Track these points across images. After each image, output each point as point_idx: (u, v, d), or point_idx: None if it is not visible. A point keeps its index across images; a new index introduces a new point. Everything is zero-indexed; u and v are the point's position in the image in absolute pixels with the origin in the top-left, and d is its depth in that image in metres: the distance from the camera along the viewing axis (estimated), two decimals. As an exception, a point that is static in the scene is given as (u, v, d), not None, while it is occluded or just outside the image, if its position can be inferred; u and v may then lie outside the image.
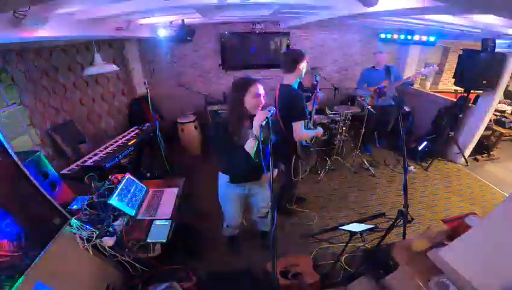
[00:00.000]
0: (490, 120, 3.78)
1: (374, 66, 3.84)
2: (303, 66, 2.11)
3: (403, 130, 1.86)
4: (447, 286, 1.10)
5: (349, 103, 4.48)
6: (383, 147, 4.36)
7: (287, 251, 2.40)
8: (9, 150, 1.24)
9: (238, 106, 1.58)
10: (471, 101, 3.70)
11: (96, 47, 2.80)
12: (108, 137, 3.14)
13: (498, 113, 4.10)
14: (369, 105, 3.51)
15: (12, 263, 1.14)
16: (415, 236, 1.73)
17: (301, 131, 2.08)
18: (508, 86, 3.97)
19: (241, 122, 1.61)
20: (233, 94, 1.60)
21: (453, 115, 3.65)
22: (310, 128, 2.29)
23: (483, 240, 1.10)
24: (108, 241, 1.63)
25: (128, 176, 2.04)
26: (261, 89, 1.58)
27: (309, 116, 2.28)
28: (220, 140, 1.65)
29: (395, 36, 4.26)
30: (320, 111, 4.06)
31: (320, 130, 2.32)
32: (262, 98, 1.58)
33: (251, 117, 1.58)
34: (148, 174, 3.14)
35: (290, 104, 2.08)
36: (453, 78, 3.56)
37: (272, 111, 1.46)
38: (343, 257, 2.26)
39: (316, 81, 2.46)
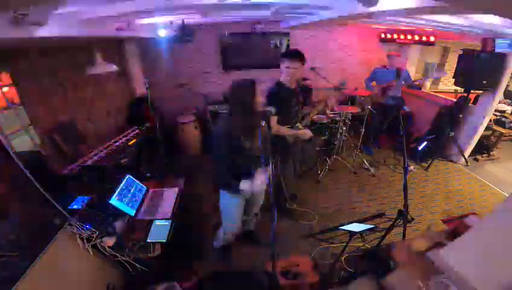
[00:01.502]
0: (490, 120, 3.78)
1: (385, 66, 3.86)
2: (285, 66, 2.16)
3: (403, 130, 1.86)
4: (447, 286, 1.10)
5: (349, 103, 4.48)
6: (379, 147, 4.36)
7: (287, 251, 2.40)
8: (9, 150, 1.24)
9: (251, 108, 1.56)
10: (471, 101, 3.70)
11: (96, 47, 2.80)
12: (108, 137, 3.14)
13: (498, 113, 4.10)
14: (371, 103, 3.51)
15: (12, 263, 1.14)
16: (415, 236, 1.73)
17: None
18: (508, 86, 3.97)
19: (256, 124, 1.59)
20: (243, 98, 1.56)
21: (453, 115, 3.65)
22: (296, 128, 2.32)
23: (483, 240, 1.10)
24: (108, 241, 1.63)
25: (128, 176, 2.04)
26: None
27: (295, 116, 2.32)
28: (231, 149, 1.62)
29: (395, 36, 4.27)
30: (320, 111, 4.06)
31: (303, 132, 2.32)
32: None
33: (259, 114, 1.59)
34: (148, 174, 3.14)
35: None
36: (453, 78, 3.55)
37: (271, 112, 1.47)
38: (343, 257, 2.26)
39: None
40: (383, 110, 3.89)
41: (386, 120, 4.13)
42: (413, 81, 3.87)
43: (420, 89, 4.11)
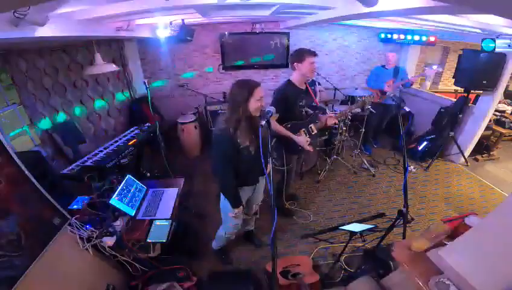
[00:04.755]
0: (490, 120, 3.78)
1: (384, 65, 3.85)
2: (310, 62, 2.16)
3: (403, 130, 1.86)
4: (447, 286, 1.10)
5: (349, 103, 4.48)
6: (380, 147, 4.36)
7: (287, 251, 2.40)
8: (10, 150, 1.24)
9: (242, 108, 1.58)
10: (471, 101, 3.70)
11: (96, 47, 2.80)
12: (108, 137, 3.14)
13: (498, 113, 4.10)
14: (372, 103, 3.49)
15: (12, 263, 1.14)
16: (415, 236, 1.73)
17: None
18: (508, 86, 3.97)
19: (241, 124, 1.61)
20: (238, 96, 1.59)
21: (453, 115, 3.65)
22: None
23: (483, 240, 1.10)
24: (108, 241, 1.63)
25: (128, 176, 2.04)
26: (262, 92, 1.60)
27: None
28: (229, 149, 1.63)
29: (395, 36, 4.27)
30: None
31: (300, 139, 2.27)
32: (263, 100, 1.60)
33: (250, 119, 1.59)
34: (148, 174, 3.14)
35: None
36: (453, 78, 3.55)
37: (271, 111, 1.47)
38: (343, 257, 2.26)
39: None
40: (382, 110, 3.89)
41: (385, 119, 4.13)
42: (407, 79, 3.86)
43: (410, 85, 4.04)
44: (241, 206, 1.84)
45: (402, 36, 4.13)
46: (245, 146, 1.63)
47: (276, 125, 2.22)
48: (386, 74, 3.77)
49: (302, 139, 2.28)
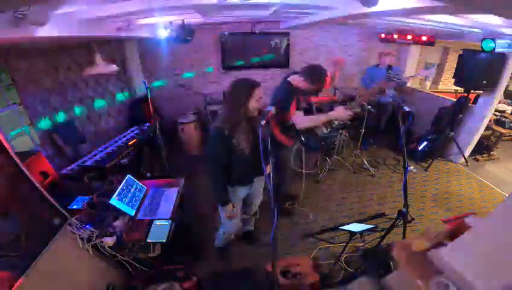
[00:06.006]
0: (490, 120, 3.78)
1: (378, 65, 3.85)
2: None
3: (402, 130, 1.86)
4: (447, 286, 1.10)
5: (348, 103, 4.47)
6: (378, 146, 4.36)
7: (287, 251, 2.40)
8: (9, 150, 1.24)
9: (241, 108, 1.57)
10: (471, 101, 3.70)
11: (96, 47, 2.80)
12: (108, 137, 3.14)
13: (498, 113, 4.11)
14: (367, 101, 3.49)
15: (12, 263, 1.14)
16: (415, 236, 1.73)
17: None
18: (508, 86, 3.97)
19: (239, 123, 1.60)
20: (237, 96, 1.58)
21: (453, 115, 3.65)
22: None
23: (483, 240, 1.10)
24: (108, 241, 1.63)
25: (128, 176, 2.04)
26: (261, 92, 1.60)
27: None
28: (222, 148, 1.63)
29: (395, 36, 4.27)
30: (320, 110, 4.05)
31: (335, 113, 2.26)
32: (262, 101, 1.60)
33: (248, 119, 1.59)
34: (148, 174, 3.14)
35: None
36: (453, 78, 3.55)
37: (271, 111, 1.47)
38: (343, 257, 2.26)
39: None
40: (378, 108, 3.89)
41: (383, 118, 4.13)
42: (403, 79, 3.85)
43: (404, 85, 4.00)
44: (231, 205, 1.82)
45: (402, 36, 4.13)
46: (241, 146, 1.63)
47: (309, 121, 2.22)
48: (379, 74, 3.76)
49: (340, 111, 2.28)
